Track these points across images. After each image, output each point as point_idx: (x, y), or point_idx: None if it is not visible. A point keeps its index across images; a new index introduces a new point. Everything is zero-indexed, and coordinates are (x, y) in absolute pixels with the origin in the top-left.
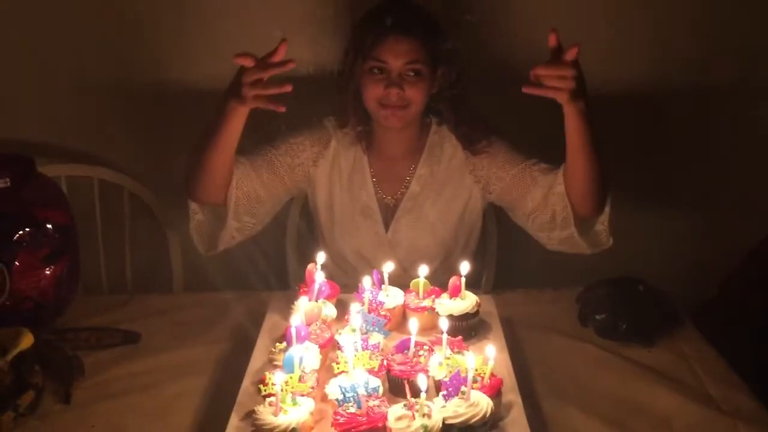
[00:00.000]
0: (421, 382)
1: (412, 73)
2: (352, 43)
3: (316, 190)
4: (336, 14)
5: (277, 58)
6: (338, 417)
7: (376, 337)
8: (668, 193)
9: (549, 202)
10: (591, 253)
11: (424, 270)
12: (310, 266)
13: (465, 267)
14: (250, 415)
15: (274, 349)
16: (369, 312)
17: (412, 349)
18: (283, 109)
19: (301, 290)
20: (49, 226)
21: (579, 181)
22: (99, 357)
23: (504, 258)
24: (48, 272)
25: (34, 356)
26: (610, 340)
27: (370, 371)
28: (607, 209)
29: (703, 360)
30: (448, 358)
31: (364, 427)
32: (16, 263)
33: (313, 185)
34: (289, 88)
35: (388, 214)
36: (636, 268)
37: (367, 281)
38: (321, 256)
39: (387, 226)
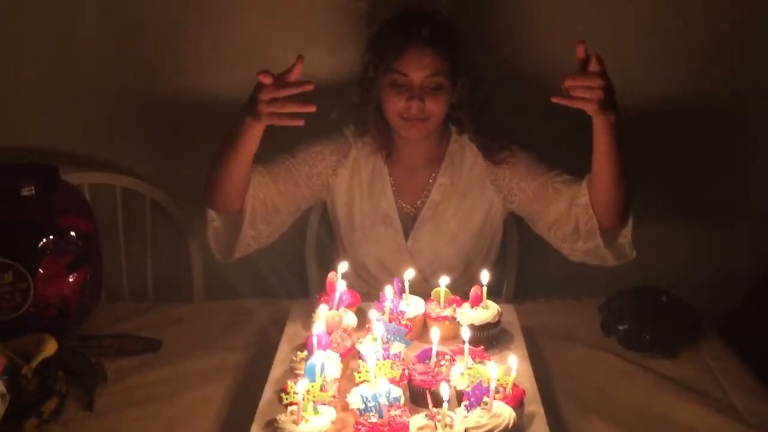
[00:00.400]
0: (444, 391)
1: (433, 86)
2: (371, 54)
3: (335, 199)
4: (355, 24)
5: (293, 76)
6: (360, 427)
7: (398, 347)
8: (691, 202)
9: (572, 213)
10: (615, 264)
11: (445, 279)
12: (330, 275)
13: (486, 276)
14: (271, 424)
15: (295, 358)
16: (390, 321)
17: (434, 358)
18: (301, 123)
19: (322, 298)
20: (73, 233)
21: (604, 192)
22: (121, 364)
23: (525, 267)
24: (71, 279)
25: (58, 363)
26: (633, 351)
27: (392, 381)
28: (630, 222)
29: (727, 371)
30: (470, 368)
31: None
32: (40, 270)
33: (333, 194)
34: (312, 108)
35: (409, 223)
36: (659, 278)
37: (388, 290)
38: (342, 265)
39: (407, 235)
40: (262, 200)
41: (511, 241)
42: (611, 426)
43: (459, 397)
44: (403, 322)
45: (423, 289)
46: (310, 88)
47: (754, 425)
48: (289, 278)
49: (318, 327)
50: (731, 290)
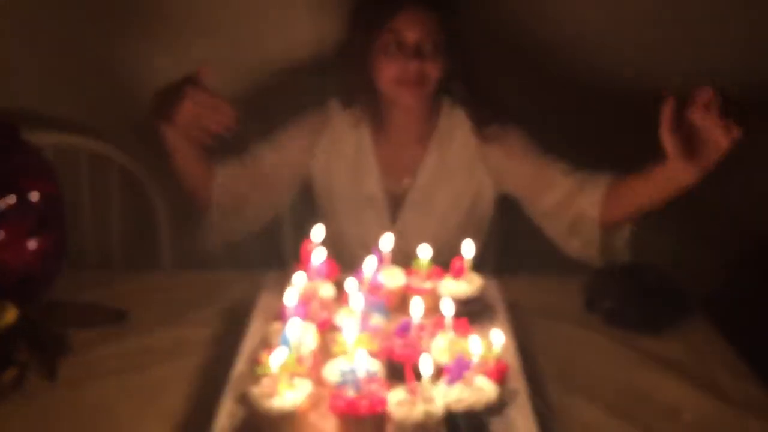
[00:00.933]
0: (425, 365)
1: (430, 45)
2: (361, 16)
3: (316, 177)
4: None
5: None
6: (337, 400)
7: (376, 319)
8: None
9: (570, 209)
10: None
11: (427, 250)
12: (306, 243)
13: (469, 246)
14: (243, 397)
15: (269, 329)
16: (369, 293)
17: (414, 331)
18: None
19: (298, 268)
20: (35, 197)
21: (627, 209)
22: (86, 335)
23: (508, 239)
24: (33, 245)
25: (19, 332)
26: (617, 328)
27: (370, 353)
28: (628, 225)
29: (713, 349)
30: (452, 342)
31: (363, 411)
32: (0, 234)
33: (313, 175)
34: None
35: (395, 204)
36: (646, 256)
37: (368, 261)
38: (318, 232)
39: (393, 216)
40: (232, 193)
41: (493, 214)
42: (594, 403)
43: (439, 371)
44: (383, 294)
45: (405, 261)
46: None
47: (738, 403)
48: (264, 246)
49: (292, 297)
50: (718, 268)
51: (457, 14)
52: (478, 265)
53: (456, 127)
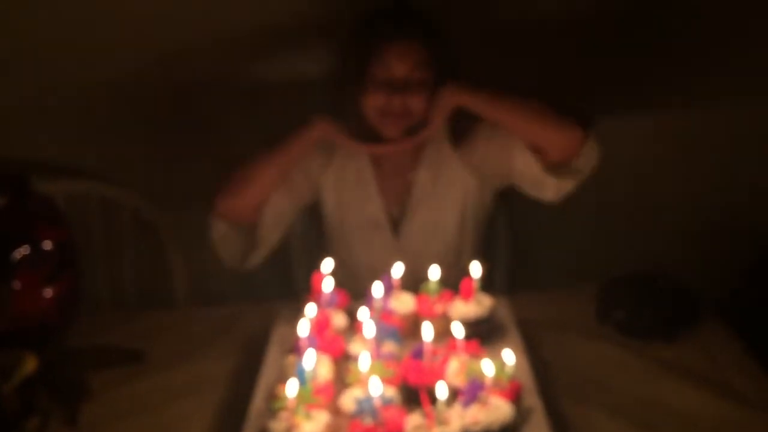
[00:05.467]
0: (440, 389)
1: (416, 80)
2: (350, 50)
3: (325, 199)
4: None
5: None
6: (355, 430)
7: (389, 346)
8: (687, 184)
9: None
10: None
11: (435, 273)
12: (317, 274)
13: (476, 268)
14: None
15: (284, 362)
16: (380, 320)
17: (427, 356)
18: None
19: (309, 299)
20: (48, 244)
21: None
22: (104, 377)
23: (518, 256)
24: (49, 292)
25: (39, 379)
26: (630, 338)
27: (385, 381)
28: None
29: (728, 354)
30: (464, 364)
31: None
32: (16, 285)
33: (322, 195)
34: None
35: (395, 223)
36: (656, 262)
37: (376, 287)
38: (328, 264)
39: (395, 235)
40: (274, 208)
41: (502, 231)
42: (610, 415)
43: (454, 394)
44: (394, 321)
45: (414, 284)
46: None
47: (757, 406)
48: (276, 279)
49: (305, 329)
50: (732, 272)
51: (444, 47)
52: (491, 282)
53: (438, 138)
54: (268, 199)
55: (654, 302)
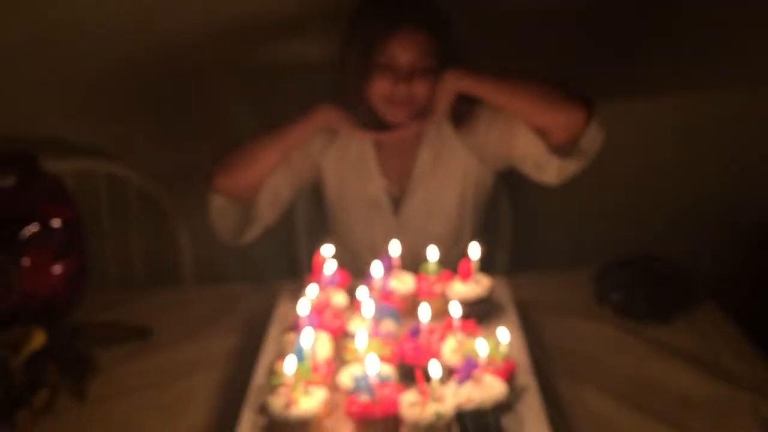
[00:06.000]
0: (434, 367)
1: (421, 68)
2: (354, 37)
3: (326, 180)
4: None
5: None
6: (352, 406)
7: (388, 325)
8: (688, 168)
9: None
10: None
11: (434, 254)
12: (318, 254)
13: (475, 249)
14: (263, 407)
15: (284, 340)
16: (380, 299)
17: (424, 335)
18: None
19: (311, 279)
20: (57, 222)
21: (525, 120)
22: (111, 353)
23: (519, 237)
24: (58, 269)
25: (48, 354)
26: (626, 319)
27: (382, 359)
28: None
29: (722, 336)
30: (461, 343)
31: (377, 414)
32: (26, 262)
33: (323, 174)
34: None
35: (396, 203)
36: (654, 245)
37: (375, 267)
38: (329, 247)
39: (395, 217)
40: (272, 188)
41: (503, 212)
42: (605, 395)
43: (450, 372)
44: (394, 300)
45: (414, 263)
46: None
47: (749, 388)
48: (280, 259)
49: (306, 307)
50: (729, 256)
51: (450, 35)
52: (491, 263)
53: (444, 123)
54: (266, 178)
55: (650, 284)
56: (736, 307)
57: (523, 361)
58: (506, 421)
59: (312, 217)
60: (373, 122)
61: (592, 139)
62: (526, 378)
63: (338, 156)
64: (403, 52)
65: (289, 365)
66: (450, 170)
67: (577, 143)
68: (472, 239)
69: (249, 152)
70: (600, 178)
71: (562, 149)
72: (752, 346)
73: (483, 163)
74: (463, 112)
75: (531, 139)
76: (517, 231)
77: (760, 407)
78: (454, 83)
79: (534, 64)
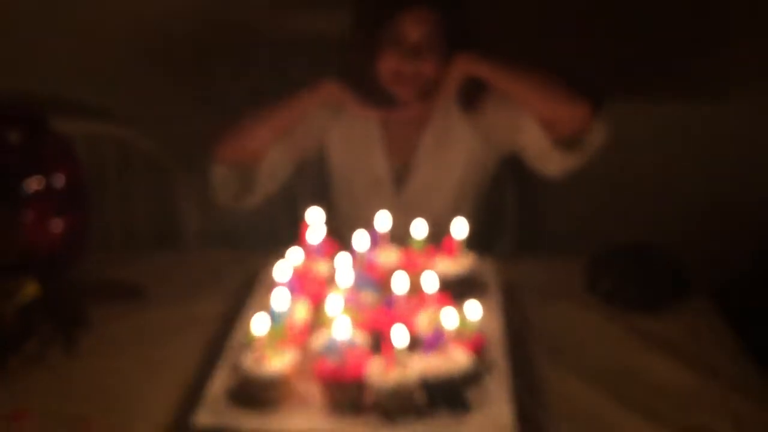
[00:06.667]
0: (400, 335)
1: (429, 45)
2: (363, 13)
3: (329, 157)
4: None
5: None
6: (320, 367)
7: (368, 296)
8: (694, 165)
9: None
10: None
11: (422, 229)
12: (306, 221)
13: (460, 227)
14: (236, 364)
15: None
16: (362, 270)
17: (398, 305)
18: None
19: (299, 245)
20: (60, 179)
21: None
22: (105, 310)
23: (523, 224)
24: (59, 226)
25: (41, 305)
26: (616, 307)
27: (355, 326)
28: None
29: (711, 330)
30: (434, 316)
31: (344, 378)
32: (27, 216)
33: (327, 152)
34: None
35: (399, 180)
36: (658, 236)
37: (358, 237)
38: (316, 213)
39: (395, 193)
40: (273, 159)
41: (509, 197)
42: (582, 379)
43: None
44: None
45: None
46: None
47: (728, 382)
48: (282, 227)
49: (285, 271)
50: (731, 253)
51: (459, 11)
52: (490, 245)
53: (451, 104)
54: (267, 149)
55: (641, 273)
56: (732, 305)
57: (496, 337)
58: (471, 393)
59: (315, 188)
60: (379, 99)
61: (595, 136)
62: (498, 354)
63: (343, 133)
64: (412, 28)
65: (259, 325)
66: (454, 151)
67: (580, 138)
68: (469, 219)
69: (250, 124)
70: (606, 170)
71: (565, 142)
72: (740, 342)
73: (487, 147)
74: (472, 95)
75: (536, 129)
76: (521, 217)
77: (735, 401)
78: (466, 66)
79: (548, 58)
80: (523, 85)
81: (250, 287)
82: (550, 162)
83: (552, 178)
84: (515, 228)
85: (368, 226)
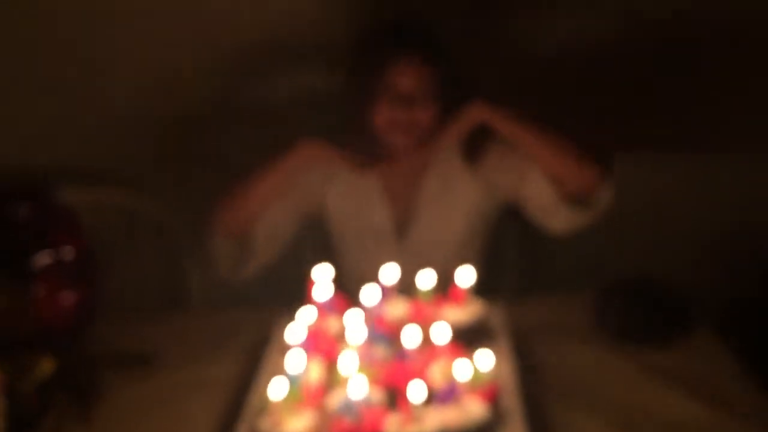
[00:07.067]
0: (416, 389)
1: (422, 94)
2: (357, 65)
3: (329, 215)
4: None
5: None
6: (337, 428)
7: (379, 350)
8: (696, 185)
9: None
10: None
11: (430, 279)
12: (313, 280)
13: (467, 274)
14: (253, 428)
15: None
16: (372, 324)
17: (411, 358)
18: None
19: (307, 304)
20: (69, 252)
21: (545, 163)
22: (115, 378)
23: (526, 262)
24: (70, 299)
25: (56, 381)
26: (623, 343)
27: (371, 382)
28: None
29: (719, 362)
30: (447, 367)
31: None
32: (38, 292)
33: (327, 211)
34: None
35: (400, 231)
36: (660, 270)
37: (368, 292)
38: (323, 269)
39: (398, 243)
40: (270, 223)
41: (510, 239)
42: (595, 420)
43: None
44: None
45: (414, 289)
46: None
47: (743, 414)
48: (287, 286)
49: (298, 332)
50: (736, 283)
51: (451, 62)
52: (496, 287)
53: (453, 153)
54: (261, 214)
55: (648, 308)
56: (739, 336)
57: (510, 384)
58: None
59: (318, 245)
60: (377, 147)
61: (604, 195)
62: (512, 402)
63: (342, 190)
64: (402, 78)
65: (275, 388)
66: (456, 200)
67: (588, 197)
68: (474, 260)
69: (243, 188)
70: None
71: (573, 200)
72: (750, 373)
73: (490, 197)
74: (476, 144)
75: (542, 182)
76: (522, 255)
77: None
78: (478, 114)
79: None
80: (536, 140)
81: (261, 348)
82: (555, 217)
83: (556, 233)
84: (516, 267)
85: (372, 279)
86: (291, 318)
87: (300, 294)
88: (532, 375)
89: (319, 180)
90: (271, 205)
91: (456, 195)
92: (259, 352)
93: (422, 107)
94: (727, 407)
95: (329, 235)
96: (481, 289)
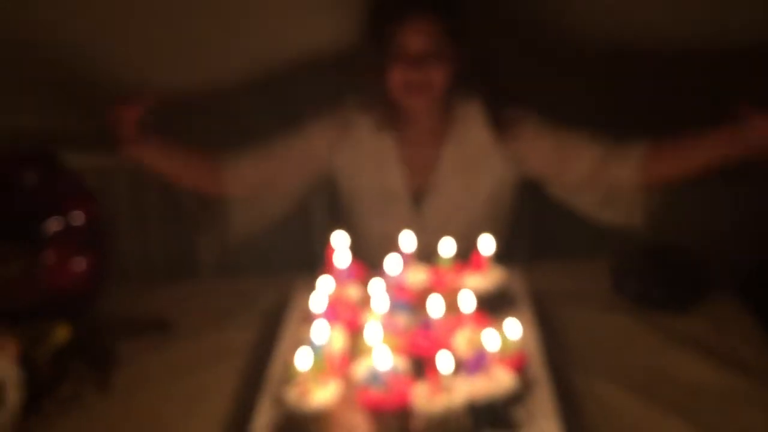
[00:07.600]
0: (444, 359)
1: (434, 53)
2: (368, 26)
3: (338, 175)
4: None
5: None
6: (364, 398)
7: (402, 318)
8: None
9: (602, 182)
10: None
11: (449, 246)
12: (332, 247)
13: (486, 241)
14: (279, 398)
15: (301, 333)
16: (394, 293)
17: (436, 327)
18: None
19: (326, 271)
20: (79, 218)
21: (668, 174)
22: (133, 346)
23: (539, 227)
24: (81, 265)
25: (72, 348)
26: (643, 309)
27: (395, 351)
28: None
29: (739, 327)
30: (472, 336)
31: (389, 406)
32: (49, 257)
33: (335, 171)
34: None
35: (416, 198)
36: (678, 233)
37: (390, 261)
38: (341, 236)
39: (415, 211)
40: (248, 184)
41: (524, 202)
42: (618, 386)
43: (462, 365)
44: (407, 294)
45: (431, 256)
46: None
47: (763, 381)
48: (297, 252)
49: (321, 301)
50: (753, 245)
51: (461, 19)
52: (510, 252)
53: (471, 119)
54: (273, 176)
55: (667, 273)
56: (756, 300)
57: (535, 353)
58: (517, 413)
59: (329, 208)
60: (393, 110)
61: (646, 199)
62: (538, 370)
63: (350, 151)
64: (413, 38)
65: (302, 359)
66: (478, 171)
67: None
68: (494, 234)
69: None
70: None
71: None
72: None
73: (516, 171)
74: (506, 118)
75: (587, 162)
76: (539, 219)
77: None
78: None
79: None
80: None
81: (277, 315)
82: (585, 195)
83: (580, 211)
84: (531, 232)
85: (387, 243)
86: (305, 285)
87: (313, 260)
88: (556, 342)
89: (325, 143)
90: (283, 167)
91: (478, 166)
92: (275, 319)
93: (434, 67)
94: (746, 372)
95: (339, 195)
96: (497, 255)
